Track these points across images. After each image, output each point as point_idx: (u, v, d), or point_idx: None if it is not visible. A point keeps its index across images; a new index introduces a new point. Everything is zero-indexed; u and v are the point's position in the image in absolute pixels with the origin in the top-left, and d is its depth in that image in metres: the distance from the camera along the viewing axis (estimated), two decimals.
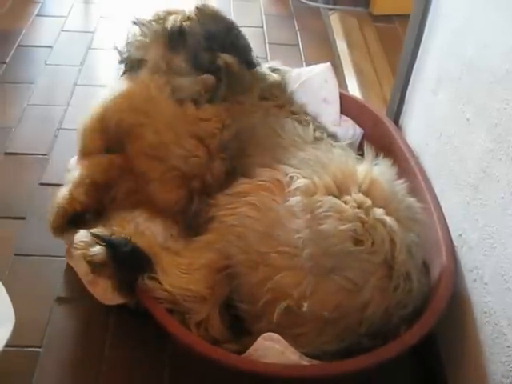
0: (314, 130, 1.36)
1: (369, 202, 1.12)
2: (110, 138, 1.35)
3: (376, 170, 1.19)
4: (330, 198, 1.12)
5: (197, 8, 1.42)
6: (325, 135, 1.38)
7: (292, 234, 1.09)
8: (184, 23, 1.38)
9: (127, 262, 1.14)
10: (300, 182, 1.15)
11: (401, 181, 1.22)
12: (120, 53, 1.46)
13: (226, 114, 1.33)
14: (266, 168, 1.22)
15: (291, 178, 1.16)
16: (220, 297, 1.14)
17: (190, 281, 1.13)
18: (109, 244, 1.15)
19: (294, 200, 1.12)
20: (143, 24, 1.42)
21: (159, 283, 1.13)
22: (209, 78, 1.34)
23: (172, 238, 1.28)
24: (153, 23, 1.41)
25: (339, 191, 1.14)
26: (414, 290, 1.12)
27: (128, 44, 1.44)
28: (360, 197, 1.12)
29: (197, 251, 1.17)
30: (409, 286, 1.11)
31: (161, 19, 1.41)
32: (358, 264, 1.08)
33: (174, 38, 1.38)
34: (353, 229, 1.08)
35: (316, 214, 1.09)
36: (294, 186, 1.14)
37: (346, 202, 1.12)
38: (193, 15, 1.41)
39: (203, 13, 1.40)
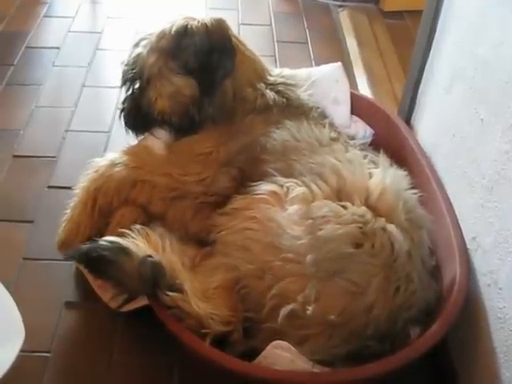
0: (330, 132, 1.36)
1: (369, 215, 1.12)
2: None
3: (389, 178, 1.19)
4: (328, 202, 1.13)
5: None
6: (341, 135, 1.38)
7: (294, 241, 1.10)
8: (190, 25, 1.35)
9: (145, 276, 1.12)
10: (297, 190, 1.16)
11: (414, 191, 1.22)
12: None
13: (217, 133, 1.36)
14: (261, 181, 1.23)
15: (288, 188, 1.18)
16: (242, 314, 1.13)
17: (211, 306, 1.11)
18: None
19: (293, 208, 1.14)
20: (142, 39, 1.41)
21: (188, 304, 1.11)
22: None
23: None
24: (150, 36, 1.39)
25: (338, 199, 1.15)
26: (418, 292, 1.12)
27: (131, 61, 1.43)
28: (362, 210, 1.13)
29: (206, 275, 1.17)
30: (411, 288, 1.11)
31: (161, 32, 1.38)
32: (359, 266, 1.08)
33: (178, 37, 1.34)
34: (352, 232, 1.09)
35: (315, 220, 1.11)
36: (291, 196, 1.16)
37: (344, 208, 1.13)
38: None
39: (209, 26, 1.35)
